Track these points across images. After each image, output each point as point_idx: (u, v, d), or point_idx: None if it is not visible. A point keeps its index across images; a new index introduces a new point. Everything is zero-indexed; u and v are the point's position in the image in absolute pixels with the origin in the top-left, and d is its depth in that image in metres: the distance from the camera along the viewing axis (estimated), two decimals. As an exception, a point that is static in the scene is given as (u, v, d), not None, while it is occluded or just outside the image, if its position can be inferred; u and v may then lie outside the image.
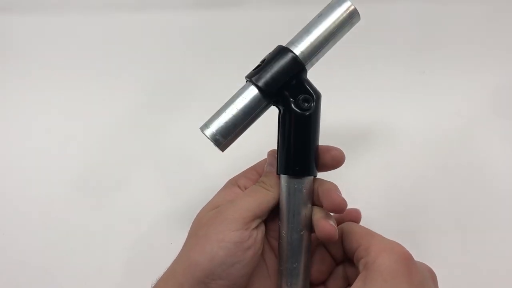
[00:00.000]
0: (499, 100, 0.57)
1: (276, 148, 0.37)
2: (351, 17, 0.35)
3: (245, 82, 0.36)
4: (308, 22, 0.36)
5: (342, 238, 0.35)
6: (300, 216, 0.35)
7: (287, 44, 0.35)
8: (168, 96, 0.59)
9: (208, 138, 0.34)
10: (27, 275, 0.47)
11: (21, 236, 0.49)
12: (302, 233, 0.35)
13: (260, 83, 0.34)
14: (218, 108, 0.36)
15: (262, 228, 0.36)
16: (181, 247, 0.36)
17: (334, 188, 0.35)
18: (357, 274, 0.32)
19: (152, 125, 0.57)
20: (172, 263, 0.35)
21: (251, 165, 0.41)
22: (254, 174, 0.39)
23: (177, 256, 0.35)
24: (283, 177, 0.35)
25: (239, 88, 0.36)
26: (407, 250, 0.32)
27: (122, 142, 0.56)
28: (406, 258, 0.31)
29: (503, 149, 0.54)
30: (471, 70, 0.59)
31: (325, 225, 0.34)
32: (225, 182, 0.40)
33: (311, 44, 0.35)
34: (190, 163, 0.54)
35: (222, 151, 0.35)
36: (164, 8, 0.63)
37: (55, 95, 0.59)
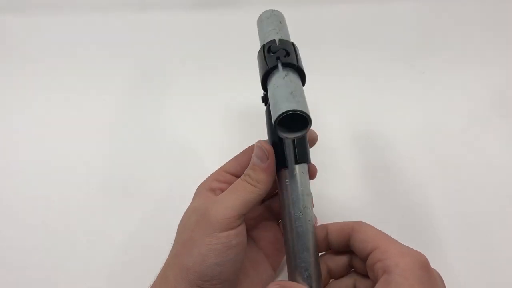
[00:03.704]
0: (499, 100, 0.57)
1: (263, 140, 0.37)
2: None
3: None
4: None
5: (352, 237, 0.35)
6: (310, 203, 0.36)
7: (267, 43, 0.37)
8: (169, 96, 0.59)
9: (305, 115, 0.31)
10: (27, 275, 0.47)
11: (21, 236, 0.49)
12: (310, 218, 0.36)
13: (302, 71, 0.35)
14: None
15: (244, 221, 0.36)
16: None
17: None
18: (366, 277, 0.33)
19: (152, 125, 0.57)
20: (162, 269, 0.35)
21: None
22: (225, 176, 0.39)
23: (166, 262, 0.35)
24: (294, 167, 0.36)
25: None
26: (425, 257, 0.32)
27: (122, 142, 0.56)
28: (426, 265, 0.31)
29: (503, 149, 0.54)
30: (471, 70, 0.59)
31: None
32: (196, 189, 0.39)
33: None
34: (190, 162, 0.54)
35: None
36: (164, 8, 0.63)
37: (55, 95, 0.59)
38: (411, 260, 0.31)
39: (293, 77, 0.34)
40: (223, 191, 0.37)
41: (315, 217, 0.39)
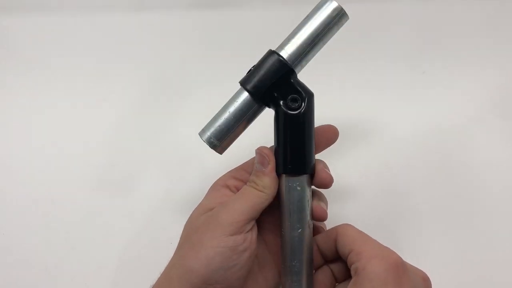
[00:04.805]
0: (499, 100, 0.57)
1: (266, 145, 0.37)
2: (338, 17, 0.35)
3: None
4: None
5: (336, 241, 0.35)
6: (296, 213, 0.35)
7: (277, 47, 0.36)
8: (169, 96, 0.59)
9: (204, 142, 0.36)
10: (27, 275, 0.47)
11: (21, 236, 0.49)
12: (299, 230, 0.35)
13: (249, 87, 0.35)
14: (218, 108, 0.37)
15: (255, 227, 0.36)
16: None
17: (322, 166, 0.37)
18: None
19: (152, 125, 0.57)
20: (166, 269, 0.35)
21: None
22: (243, 174, 0.38)
23: (171, 262, 0.35)
24: (281, 176, 0.36)
25: (237, 89, 0.37)
26: (398, 257, 0.31)
27: (122, 142, 0.56)
28: (396, 266, 0.31)
29: (503, 149, 0.54)
30: (471, 70, 0.59)
31: (317, 209, 0.36)
32: (212, 184, 0.39)
33: (298, 46, 0.35)
34: (190, 162, 0.54)
35: (220, 153, 0.37)
36: (163, 8, 0.63)
37: (55, 95, 0.59)
38: (379, 262, 0.31)
39: (238, 98, 0.36)
40: (238, 190, 0.37)
41: (324, 224, 0.39)
